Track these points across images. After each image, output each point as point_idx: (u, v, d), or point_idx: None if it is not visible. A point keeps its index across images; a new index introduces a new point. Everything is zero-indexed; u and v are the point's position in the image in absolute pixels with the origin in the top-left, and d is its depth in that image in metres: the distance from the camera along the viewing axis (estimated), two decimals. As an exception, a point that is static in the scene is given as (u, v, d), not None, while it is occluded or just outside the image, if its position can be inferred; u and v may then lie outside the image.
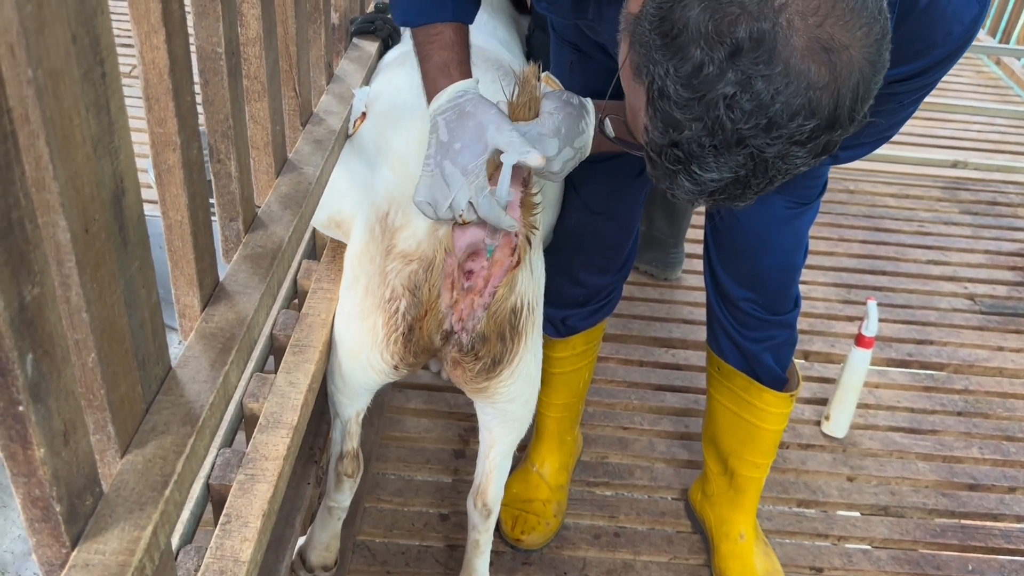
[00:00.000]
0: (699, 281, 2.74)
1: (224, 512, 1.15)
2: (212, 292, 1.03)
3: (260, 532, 1.14)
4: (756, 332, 1.58)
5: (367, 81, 1.64)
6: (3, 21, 0.58)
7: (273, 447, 1.25)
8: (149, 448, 0.84)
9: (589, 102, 1.26)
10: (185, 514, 1.17)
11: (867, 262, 2.91)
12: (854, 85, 0.83)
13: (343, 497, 1.55)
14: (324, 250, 1.64)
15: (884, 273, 2.87)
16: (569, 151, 1.23)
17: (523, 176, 1.25)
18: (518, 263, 1.29)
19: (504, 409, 1.47)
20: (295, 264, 1.63)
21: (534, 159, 1.10)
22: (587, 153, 1.27)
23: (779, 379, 1.63)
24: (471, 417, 2.14)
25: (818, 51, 0.81)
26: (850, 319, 2.63)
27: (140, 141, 1.23)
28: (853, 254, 2.93)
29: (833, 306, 2.67)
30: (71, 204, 0.67)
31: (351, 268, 1.40)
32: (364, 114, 1.49)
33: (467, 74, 1.21)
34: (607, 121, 1.14)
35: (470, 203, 1.15)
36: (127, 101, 0.75)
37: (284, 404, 1.32)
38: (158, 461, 0.83)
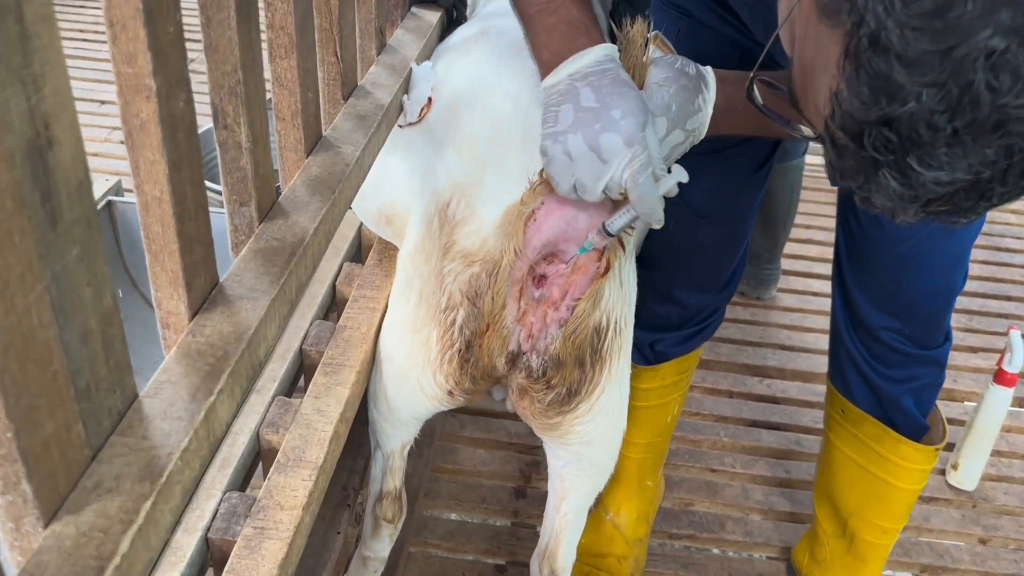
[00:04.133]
0: (797, 301, 2.44)
1: (223, 577, 0.90)
2: (207, 296, 0.78)
3: (266, 607, 0.88)
4: (897, 370, 1.28)
5: (426, 57, 1.39)
6: None
7: (291, 493, 1.00)
8: (86, 515, 0.59)
9: (710, 72, 1.01)
10: (174, 577, 0.92)
11: (989, 285, 2.56)
12: None
13: (381, 547, 1.30)
14: (371, 252, 1.39)
15: (1009, 298, 2.52)
16: (679, 134, 0.99)
17: None
18: (607, 271, 1.03)
19: (580, 452, 1.20)
20: (334, 268, 1.38)
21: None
22: (701, 137, 1.02)
23: (920, 428, 1.33)
24: (535, 449, 1.88)
25: None
26: (973, 350, 2.29)
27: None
28: (972, 276, 2.57)
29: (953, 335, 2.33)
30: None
31: (404, 270, 1.16)
32: (430, 100, 1.23)
33: (604, 38, 0.96)
34: (755, 87, 0.86)
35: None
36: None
37: (309, 437, 1.07)
38: (96, 535, 0.58)
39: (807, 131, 0.84)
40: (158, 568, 0.94)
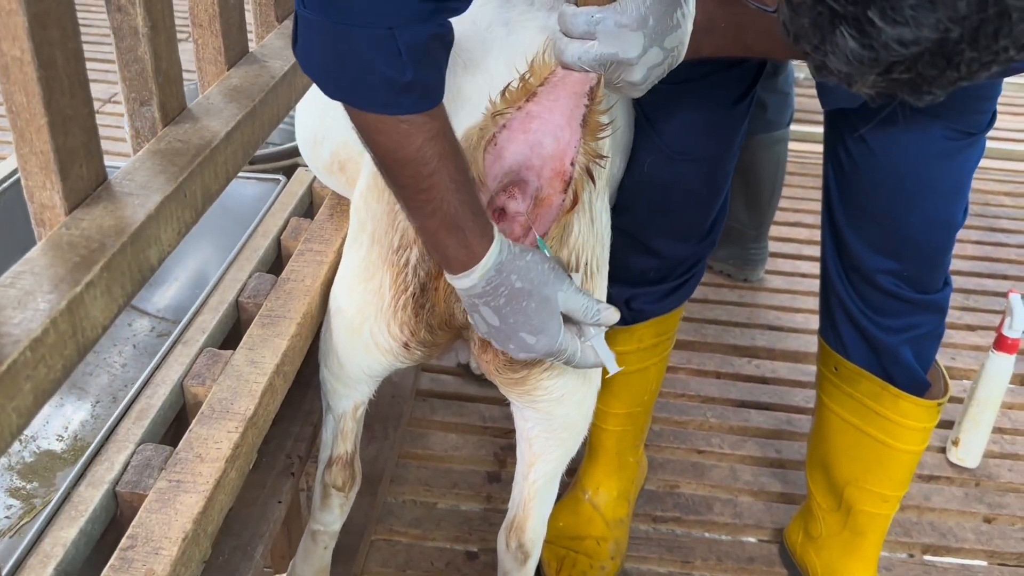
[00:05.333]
0: (786, 283, 2.34)
1: (128, 533, 0.79)
2: (89, 192, 0.68)
3: (176, 563, 0.77)
4: (895, 319, 1.18)
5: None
6: None
7: (214, 445, 0.89)
8: (-102, 404, 0.48)
9: None
10: (72, 532, 0.81)
11: (984, 265, 2.47)
12: None
13: (331, 518, 1.19)
14: (322, 206, 1.29)
15: (1006, 277, 2.43)
16: (657, 53, 0.89)
17: (590, 86, 0.90)
18: (574, 204, 0.94)
19: (550, 412, 1.10)
20: (279, 221, 1.28)
21: (609, 317, 0.91)
22: (680, 59, 0.92)
23: (920, 382, 1.22)
24: (510, 433, 1.76)
25: None
26: (971, 328, 2.20)
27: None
28: (967, 256, 2.49)
29: (950, 314, 2.22)
30: None
31: (356, 212, 1.06)
32: None
33: (484, 220, 0.86)
34: None
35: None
36: None
37: (239, 389, 0.96)
38: (-95, 426, 0.47)
39: (764, 7, 0.76)
40: (55, 522, 0.83)
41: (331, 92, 0.81)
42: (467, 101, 0.95)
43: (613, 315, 0.90)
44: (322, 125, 1.15)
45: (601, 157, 0.96)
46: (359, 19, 0.73)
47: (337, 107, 1.12)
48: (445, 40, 0.81)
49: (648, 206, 1.22)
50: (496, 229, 0.87)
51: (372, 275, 1.02)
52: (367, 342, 1.05)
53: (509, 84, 0.92)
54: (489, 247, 0.85)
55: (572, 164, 0.92)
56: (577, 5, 0.88)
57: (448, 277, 0.89)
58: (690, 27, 0.90)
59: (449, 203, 0.82)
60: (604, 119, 0.94)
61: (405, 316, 1.01)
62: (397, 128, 0.79)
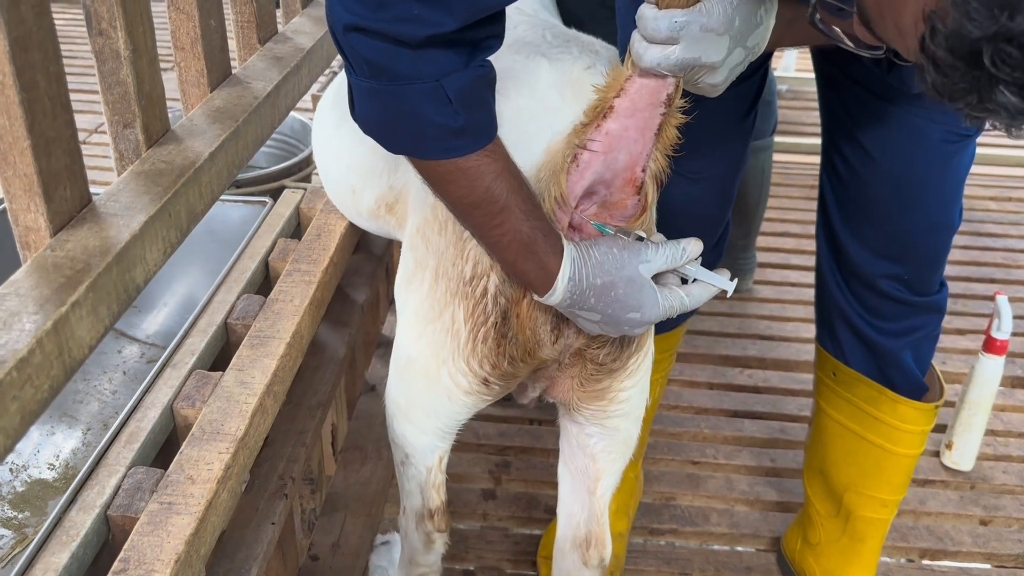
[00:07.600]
0: (775, 293, 2.35)
1: (120, 556, 0.79)
2: (74, 213, 0.68)
3: (169, 587, 0.77)
4: (896, 322, 1.19)
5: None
6: None
7: (205, 466, 0.89)
8: None
9: None
10: (64, 557, 0.80)
11: (971, 269, 2.49)
12: None
13: (435, 558, 1.21)
14: (309, 226, 1.29)
15: (993, 281, 2.45)
16: (740, 53, 0.85)
17: (667, 93, 0.86)
18: (644, 210, 0.91)
19: (615, 426, 1.09)
20: (267, 243, 1.29)
21: (695, 250, 0.89)
22: (759, 54, 0.89)
23: (919, 386, 1.23)
24: (504, 450, 1.76)
25: None
26: (960, 332, 2.21)
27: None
28: (954, 261, 2.50)
29: (939, 318, 2.24)
30: None
31: (412, 250, 1.01)
32: None
33: (555, 238, 0.86)
34: (816, 11, 0.76)
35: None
36: None
37: (229, 409, 0.96)
38: None
39: (874, 52, 0.75)
40: (47, 548, 0.83)
41: (392, 147, 0.82)
42: (524, 124, 0.93)
43: (697, 245, 0.88)
44: (357, 173, 1.14)
45: (670, 168, 0.92)
46: (407, 78, 0.74)
47: (375, 155, 1.09)
48: (488, 79, 0.81)
49: (659, 224, 1.21)
50: (564, 240, 0.86)
51: (441, 312, 0.98)
52: (448, 387, 1.01)
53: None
54: (556, 255, 0.86)
55: (643, 171, 0.89)
56: (658, 7, 0.81)
57: (536, 298, 0.89)
58: (772, 22, 0.87)
59: (521, 231, 0.84)
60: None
61: (486, 349, 0.97)
62: (464, 175, 0.80)
